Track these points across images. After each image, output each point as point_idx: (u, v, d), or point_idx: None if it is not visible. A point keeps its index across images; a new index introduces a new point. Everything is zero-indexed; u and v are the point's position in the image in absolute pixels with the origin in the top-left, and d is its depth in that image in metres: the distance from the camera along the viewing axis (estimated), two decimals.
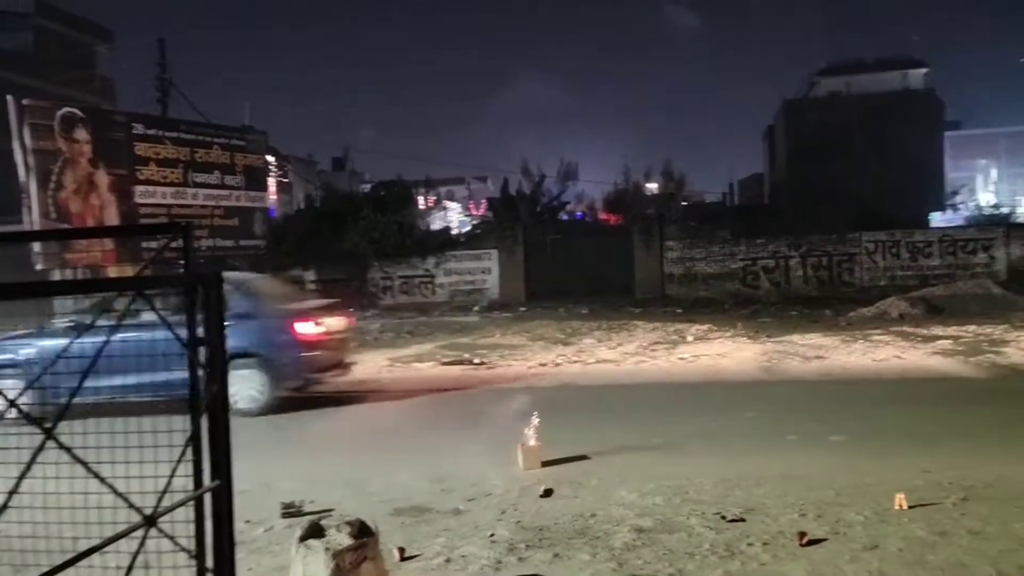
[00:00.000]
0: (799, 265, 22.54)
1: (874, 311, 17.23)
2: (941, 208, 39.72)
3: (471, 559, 4.46)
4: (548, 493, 5.70)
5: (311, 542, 3.83)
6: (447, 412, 9.29)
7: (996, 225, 23.92)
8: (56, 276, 16.97)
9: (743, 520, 4.90)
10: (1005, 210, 30.40)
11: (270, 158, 26.71)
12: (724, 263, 22.83)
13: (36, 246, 15.81)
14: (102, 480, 1.53)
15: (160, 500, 1.61)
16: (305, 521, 4.07)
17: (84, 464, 1.50)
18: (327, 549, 3.76)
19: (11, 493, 1.35)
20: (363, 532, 3.92)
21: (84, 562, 1.43)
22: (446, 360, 13.24)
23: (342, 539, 3.82)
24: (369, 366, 12.71)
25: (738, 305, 20.61)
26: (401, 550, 4.61)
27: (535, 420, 6.48)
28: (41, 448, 1.35)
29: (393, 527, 5.09)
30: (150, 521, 1.50)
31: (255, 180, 20.93)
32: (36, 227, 15.90)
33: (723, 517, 4.95)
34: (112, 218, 17.17)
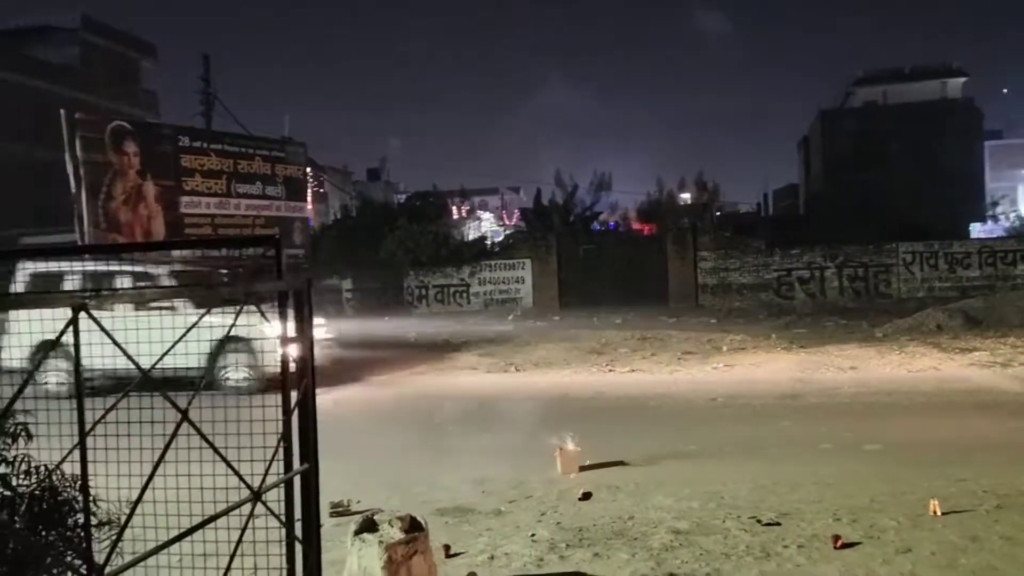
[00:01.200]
0: (835, 276, 22.45)
1: (911, 322, 17.10)
2: (981, 219, 39.20)
3: (514, 556, 4.65)
4: (587, 496, 5.87)
5: (366, 536, 4.05)
6: (487, 417, 9.49)
7: None
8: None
9: (778, 524, 5.03)
10: None
11: (308, 169, 27.24)
12: (758, 273, 22.81)
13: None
14: (226, 461, 1.75)
15: (263, 480, 1.83)
16: (358, 518, 4.30)
17: (212, 446, 1.73)
18: (380, 542, 3.97)
19: (155, 467, 1.58)
20: (414, 527, 4.13)
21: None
22: (484, 368, 13.46)
23: (394, 533, 4.03)
24: (406, 372, 12.97)
25: (772, 316, 20.56)
26: (447, 547, 4.82)
27: (569, 425, 6.67)
28: (177, 429, 1.58)
29: (437, 526, 5.29)
30: (257, 496, 1.72)
31: (295, 190, 21.41)
32: (87, 237, 16.46)
33: (759, 521, 5.09)
34: (159, 228, 17.70)
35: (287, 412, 2.02)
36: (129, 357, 1.68)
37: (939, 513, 4.99)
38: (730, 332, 16.95)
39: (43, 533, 1.78)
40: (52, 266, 12.41)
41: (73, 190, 16.75)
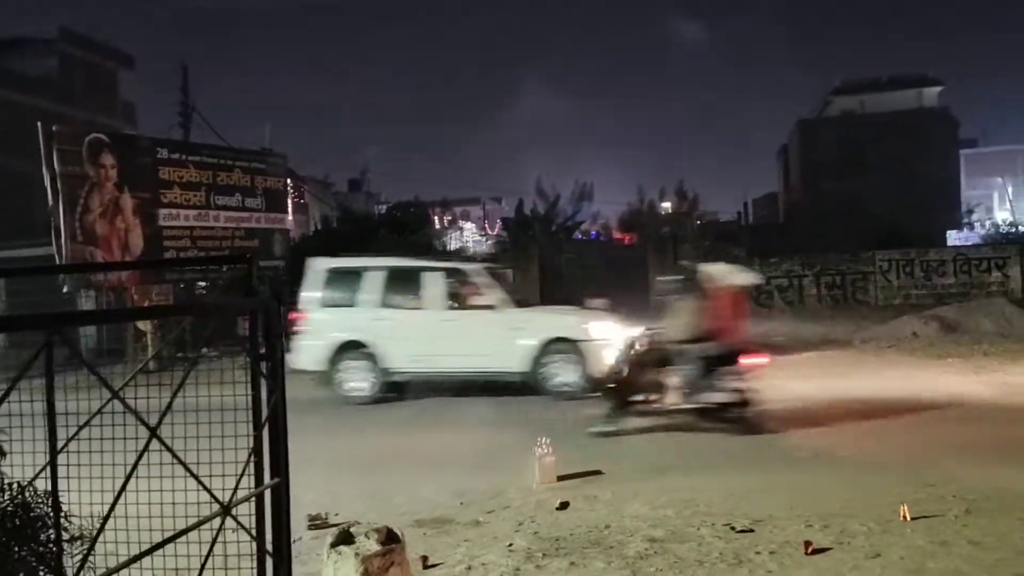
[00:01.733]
0: (812, 284, 22.70)
1: (887, 330, 17.32)
2: (958, 227, 39.73)
3: (491, 567, 4.70)
4: (564, 506, 5.92)
5: (342, 548, 4.08)
6: (467, 427, 9.51)
7: (1011, 243, 24.00)
8: (82, 298, 17.42)
9: (752, 531, 5.10)
10: (1022, 228, 30.39)
11: (288, 180, 27.18)
12: None
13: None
14: (195, 477, 1.79)
15: (233, 494, 1.87)
16: (334, 530, 4.33)
17: (182, 462, 1.76)
18: (357, 554, 4.00)
19: (125, 483, 1.62)
20: (390, 539, 4.16)
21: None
22: None
23: (371, 545, 4.06)
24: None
25: (751, 324, 20.71)
26: (424, 558, 4.85)
27: (547, 435, 6.74)
28: (148, 446, 1.62)
29: (416, 537, 5.33)
30: (226, 510, 1.76)
31: (275, 202, 21.35)
32: (64, 250, 16.33)
33: (732, 528, 5.16)
34: (137, 241, 17.59)
35: (257, 427, 2.06)
36: (101, 379, 1.71)
37: (908, 518, 5.09)
38: None
39: (16, 549, 1.81)
40: (349, 263, 12.47)
41: (50, 203, 16.62)
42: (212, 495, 1.82)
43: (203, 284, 19.57)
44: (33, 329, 1.44)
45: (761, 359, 8.40)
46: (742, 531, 5.09)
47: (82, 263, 16.30)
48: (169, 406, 1.81)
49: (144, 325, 16.18)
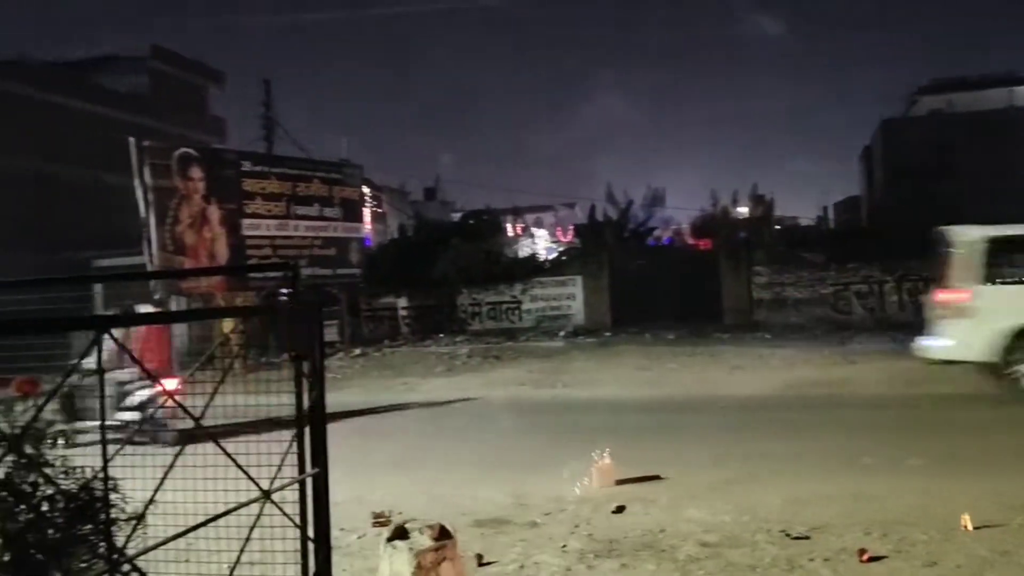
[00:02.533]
0: (894, 290, 21.96)
1: None
2: None
3: (543, 566, 4.81)
4: (620, 509, 5.99)
5: (397, 543, 4.27)
6: (529, 432, 9.65)
7: None
8: (171, 304, 18.31)
9: (807, 538, 5.07)
10: None
11: (365, 189, 27.93)
12: (814, 288, 22.46)
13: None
14: (236, 463, 1.98)
15: (272, 481, 2.05)
16: (391, 525, 4.53)
17: (226, 452, 1.95)
18: (411, 549, 4.18)
19: (165, 474, 1.81)
20: (443, 535, 4.33)
21: (218, 524, 1.87)
22: (532, 384, 13.64)
23: (424, 540, 4.24)
24: (459, 387, 13.23)
25: (829, 331, 20.24)
26: (479, 556, 5.01)
27: (610, 440, 6.81)
28: (193, 436, 1.81)
29: (473, 537, 5.49)
30: (266, 495, 1.94)
31: (351, 211, 21.99)
32: (155, 259, 17.23)
33: (788, 534, 5.14)
34: (223, 250, 18.40)
35: (299, 420, 2.24)
36: (148, 373, 1.91)
37: (970, 527, 4.97)
38: (783, 347, 16.79)
39: (78, 526, 2.03)
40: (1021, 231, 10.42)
41: (142, 215, 17.56)
42: (254, 481, 2.01)
43: (282, 291, 20.33)
44: (86, 329, 1.64)
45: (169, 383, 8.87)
46: (797, 537, 5.06)
47: (167, 270, 17.14)
48: (211, 399, 2.01)
49: (228, 330, 16.91)
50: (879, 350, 15.96)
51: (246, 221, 19.01)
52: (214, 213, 18.44)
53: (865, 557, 4.58)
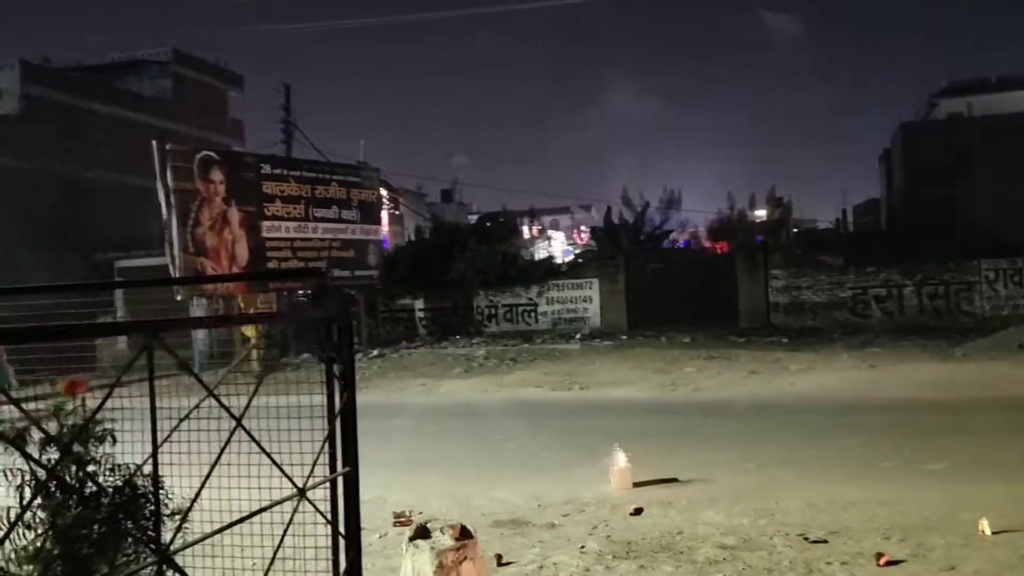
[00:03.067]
0: (913, 294, 21.82)
1: (993, 341, 16.53)
2: None
3: (562, 566, 4.87)
4: (638, 511, 6.03)
5: (419, 542, 4.34)
6: (547, 433, 9.70)
7: None
8: (193, 305, 18.53)
9: (826, 541, 5.10)
10: None
11: (383, 192, 28.07)
12: (832, 292, 22.36)
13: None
14: (276, 463, 2.06)
15: (307, 480, 2.12)
16: (414, 525, 4.60)
17: (264, 450, 2.03)
18: (432, 548, 4.25)
19: (212, 468, 1.89)
20: (464, 535, 4.40)
21: (254, 521, 1.95)
22: (548, 385, 13.69)
23: (446, 540, 4.31)
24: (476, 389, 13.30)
25: (847, 335, 20.14)
26: (499, 556, 5.07)
27: (627, 443, 6.85)
28: (232, 434, 1.88)
29: (493, 537, 5.56)
30: (302, 492, 2.01)
31: (369, 214, 22.14)
32: (176, 260, 17.44)
33: (806, 538, 5.16)
34: (242, 251, 18.59)
35: (331, 420, 2.31)
36: (197, 377, 1.98)
37: (988, 532, 4.97)
38: (801, 351, 16.73)
39: (122, 520, 2.11)
40: None
41: (164, 217, 17.77)
42: (290, 479, 2.08)
43: (301, 293, 20.54)
44: (138, 333, 1.71)
45: None
46: (816, 541, 5.09)
47: (192, 275, 17.35)
48: (251, 400, 2.08)
49: (249, 332, 17.09)
50: (898, 354, 15.88)
51: (265, 223, 19.19)
52: (234, 215, 18.63)
53: (883, 561, 4.60)
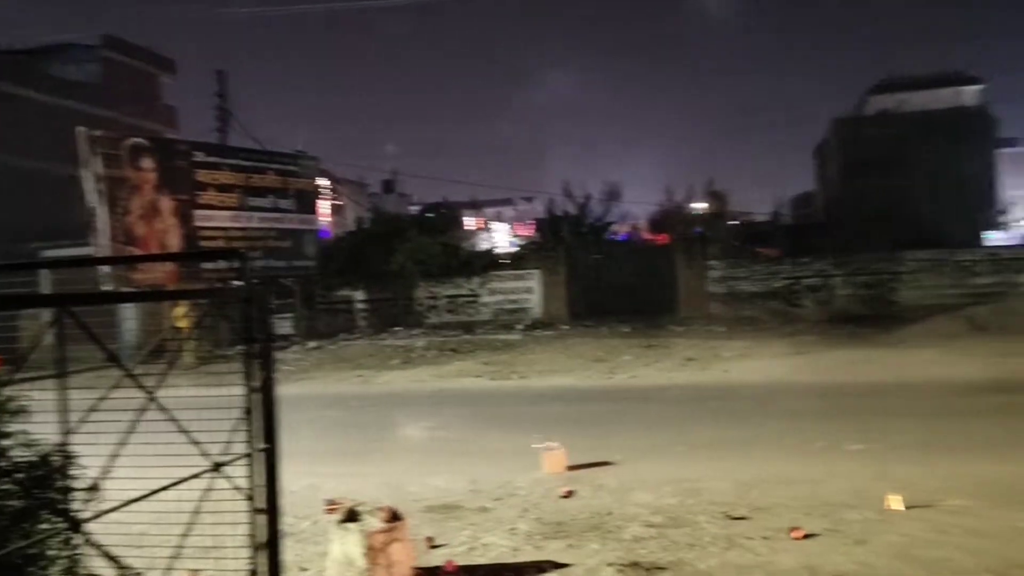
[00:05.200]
0: (844, 284, 22.54)
1: (918, 329, 17.23)
2: (996, 227, 38.99)
3: (492, 547, 4.93)
4: (570, 494, 6.13)
5: (348, 525, 4.35)
6: (485, 422, 9.76)
7: None
8: None
9: (748, 518, 5.27)
10: None
11: (324, 181, 27.72)
12: (767, 282, 22.94)
13: (105, 268, 16.84)
14: (188, 435, 2.05)
15: (223, 454, 2.12)
16: (343, 509, 4.60)
17: (176, 422, 2.02)
18: (361, 531, 4.27)
19: (122, 443, 1.88)
20: (394, 518, 4.42)
21: (170, 495, 1.94)
22: (488, 375, 13.76)
23: (375, 523, 4.33)
24: (415, 379, 13.28)
25: (782, 324, 20.70)
26: (429, 539, 5.11)
27: (563, 429, 6.95)
28: (144, 408, 1.87)
29: (425, 521, 5.59)
30: (217, 467, 2.01)
31: (307, 203, 21.85)
32: (105, 250, 16.94)
33: (729, 515, 5.33)
34: (174, 241, 18.17)
35: (249, 398, 2.31)
36: (109, 352, 1.97)
37: (901, 508, 5.21)
38: (736, 339, 17.14)
39: (37, 493, 2.09)
40: None
41: (92, 205, 17.26)
42: (206, 455, 2.08)
43: (237, 281, 20.18)
44: (46, 307, 1.69)
45: None
46: (738, 518, 5.26)
47: (115, 256, 16.89)
48: (165, 376, 2.07)
49: (180, 323, 16.74)
50: (828, 341, 16.40)
51: (199, 212, 18.79)
52: (166, 204, 18.20)
53: (799, 535, 4.78)
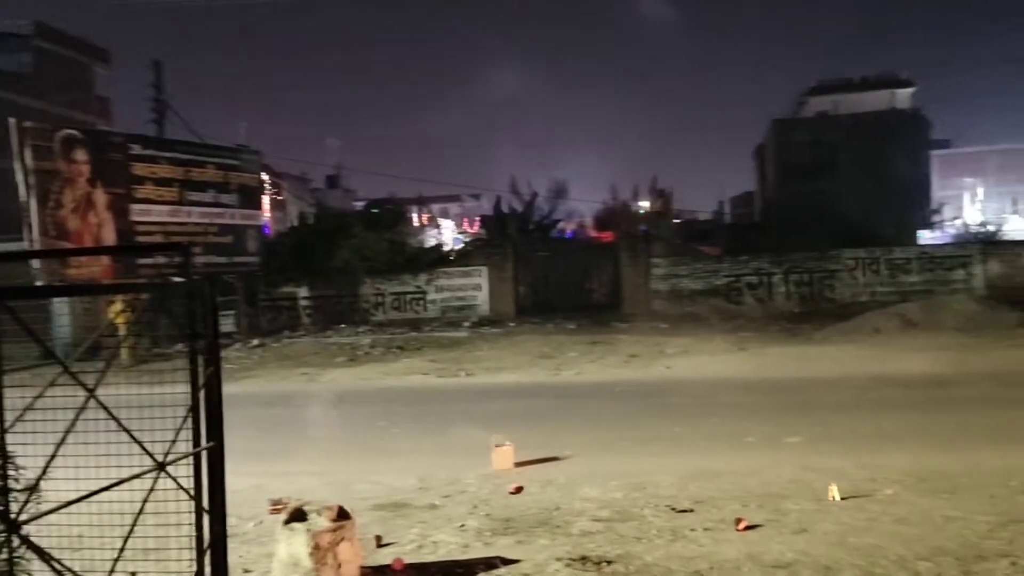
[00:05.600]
0: (782, 282, 23.08)
1: (851, 326, 17.74)
2: (928, 226, 40.43)
3: (441, 544, 4.93)
4: (518, 490, 6.16)
5: (294, 525, 4.29)
6: (430, 419, 9.73)
7: (975, 242, 24.55)
8: None
9: (692, 511, 5.37)
10: (991, 228, 31.01)
11: (264, 176, 27.23)
12: (709, 280, 23.37)
13: (36, 263, 16.28)
14: (130, 433, 2.00)
15: (167, 454, 2.07)
16: (289, 508, 4.54)
17: (116, 419, 1.97)
18: (308, 530, 4.21)
19: (60, 443, 1.82)
20: (342, 516, 4.38)
21: (111, 496, 1.90)
22: (435, 372, 13.71)
23: (322, 522, 4.28)
24: (361, 377, 13.16)
25: (722, 320, 21.10)
26: (378, 538, 5.07)
27: (511, 426, 6.98)
28: (84, 406, 1.82)
29: (373, 520, 5.56)
30: (161, 466, 1.97)
31: (249, 198, 21.45)
32: (36, 244, 16.37)
33: (674, 508, 5.43)
34: (109, 236, 17.65)
35: (195, 395, 2.27)
36: (47, 348, 1.91)
37: (838, 498, 5.38)
38: (678, 336, 17.41)
39: None
40: None
41: (22, 198, 16.65)
42: (149, 454, 2.03)
43: (179, 277, 19.75)
44: None
45: None
46: (683, 511, 5.36)
47: (47, 250, 16.36)
48: (104, 373, 2.02)
49: (117, 320, 16.28)
50: (767, 338, 16.78)
51: (135, 206, 18.29)
52: (100, 197, 17.67)
53: (742, 526, 4.89)
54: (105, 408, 1.97)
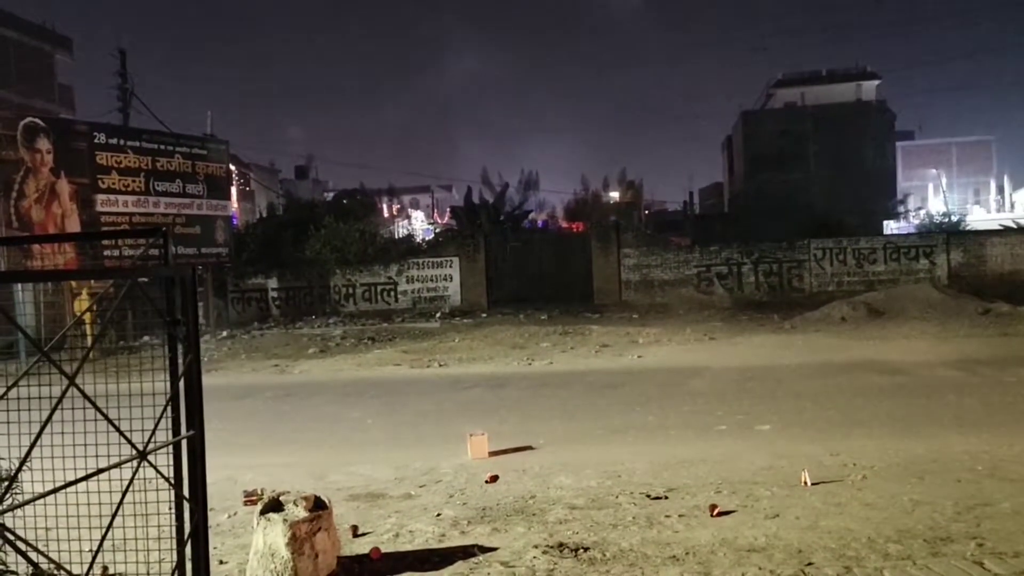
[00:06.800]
0: (751, 271, 23.34)
1: (818, 315, 18.01)
2: (894, 216, 41.14)
3: (417, 533, 4.93)
4: (494, 479, 6.18)
5: (271, 515, 4.26)
6: (406, 410, 9.72)
7: (939, 232, 25.02)
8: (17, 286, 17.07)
9: (666, 498, 5.43)
10: (955, 218, 31.62)
11: (232, 167, 26.90)
12: (679, 270, 23.56)
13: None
14: (114, 425, 1.97)
15: (147, 442, 2.05)
16: (266, 498, 4.52)
17: (97, 408, 1.94)
18: (285, 520, 4.19)
19: (40, 432, 1.80)
20: (318, 506, 4.37)
21: (90, 486, 1.87)
22: (407, 363, 13.67)
23: (299, 512, 4.26)
24: (332, 369, 13.08)
25: (692, 311, 21.30)
26: (354, 528, 5.06)
27: (485, 416, 6.99)
28: (64, 393, 1.79)
29: (349, 510, 5.54)
30: (142, 455, 1.95)
31: (217, 189, 21.16)
32: None
33: (648, 495, 5.48)
34: (74, 226, 17.33)
35: (174, 384, 2.25)
36: (26, 335, 1.88)
37: (809, 484, 5.47)
38: (649, 326, 17.55)
39: None
40: None
41: None
42: (130, 442, 2.01)
43: (158, 265, 19.49)
44: None
45: None
46: (656, 498, 5.41)
47: (8, 238, 15.99)
48: (84, 359, 1.99)
49: (83, 310, 16.01)
50: (736, 327, 16.97)
51: (100, 196, 17.96)
52: (64, 187, 17.33)
53: (716, 512, 4.96)
54: (86, 396, 1.95)
